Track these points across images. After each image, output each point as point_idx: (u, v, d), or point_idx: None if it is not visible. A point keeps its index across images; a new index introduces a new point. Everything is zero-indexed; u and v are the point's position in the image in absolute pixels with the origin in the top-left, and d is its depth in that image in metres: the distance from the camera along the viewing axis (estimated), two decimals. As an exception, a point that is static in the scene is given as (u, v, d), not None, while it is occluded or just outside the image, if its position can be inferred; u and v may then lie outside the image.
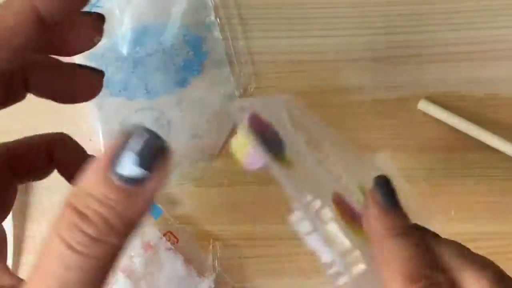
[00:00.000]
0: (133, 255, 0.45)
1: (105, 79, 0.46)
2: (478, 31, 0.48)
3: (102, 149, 0.47)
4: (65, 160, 0.33)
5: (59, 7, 0.27)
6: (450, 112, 0.47)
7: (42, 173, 0.33)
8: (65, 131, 0.46)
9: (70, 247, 0.23)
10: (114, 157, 0.23)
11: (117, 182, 0.23)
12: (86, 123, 0.47)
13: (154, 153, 0.24)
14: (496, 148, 0.47)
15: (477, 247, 0.47)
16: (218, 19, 0.48)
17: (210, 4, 0.48)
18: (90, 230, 0.23)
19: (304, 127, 0.41)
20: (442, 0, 0.48)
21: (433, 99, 0.48)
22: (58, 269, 0.23)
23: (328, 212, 0.36)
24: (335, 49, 0.48)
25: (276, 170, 0.33)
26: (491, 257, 0.47)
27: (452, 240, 0.32)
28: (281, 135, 0.37)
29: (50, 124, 0.47)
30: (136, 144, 0.24)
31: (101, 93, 0.45)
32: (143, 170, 0.23)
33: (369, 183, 0.40)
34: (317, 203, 0.36)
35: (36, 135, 0.33)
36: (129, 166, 0.23)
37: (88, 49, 0.31)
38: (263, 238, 0.48)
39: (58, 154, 0.32)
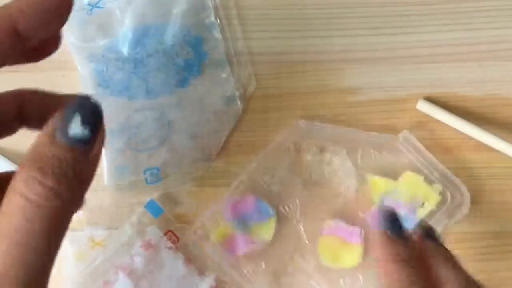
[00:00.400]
0: (133, 253, 0.45)
1: (105, 79, 0.46)
2: (478, 32, 0.49)
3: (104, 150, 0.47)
4: (37, 115, 0.32)
5: (38, 29, 0.29)
6: (450, 112, 0.47)
7: (9, 130, 0.32)
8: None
9: (29, 200, 0.25)
10: (64, 119, 0.27)
11: (65, 141, 0.27)
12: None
13: (95, 115, 0.27)
14: (496, 148, 0.47)
15: (478, 247, 0.48)
16: (218, 20, 0.48)
17: (210, 5, 0.48)
18: (50, 182, 0.25)
19: (319, 139, 0.47)
20: (441, 0, 0.49)
21: (433, 99, 0.48)
22: (20, 222, 0.25)
23: (311, 261, 0.46)
24: (334, 50, 0.48)
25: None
26: (491, 257, 0.48)
27: (444, 250, 0.37)
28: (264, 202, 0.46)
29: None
30: (82, 108, 0.27)
31: (101, 93, 0.45)
32: (87, 131, 0.27)
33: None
34: (296, 259, 0.46)
35: (4, 91, 0.32)
36: (77, 128, 0.27)
37: (52, 54, 0.32)
38: (263, 237, 0.48)
39: (30, 109, 0.32)
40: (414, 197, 0.46)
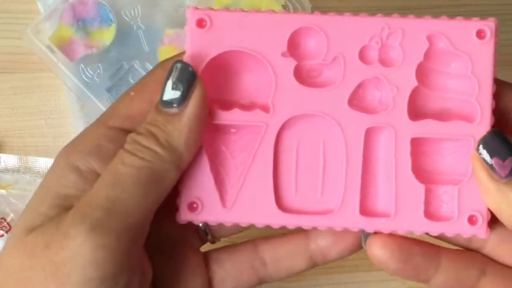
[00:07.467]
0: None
1: (91, 78, 0.46)
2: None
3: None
4: None
5: None
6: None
7: None
8: (50, 132, 0.47)
9: (126, 150, 0.30)
10: (161, 89, 0.30)
11: (161, 106, 0.30)
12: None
13: (185, 77, 0.30)
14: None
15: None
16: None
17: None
18: (139, 138, 0.30)
19: None
20: (420, 5, 0.49)
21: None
22: (116, 164, 0.29)
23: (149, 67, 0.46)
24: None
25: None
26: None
27: None
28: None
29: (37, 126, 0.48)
30: (173, 73, 0.30)
31: (87, 93, 0.45)
32: (178, 92, 0.30)
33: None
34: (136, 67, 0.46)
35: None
36: (168, 92, 0.30)
37: None
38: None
39: None
40: (257, 9, 0.46)
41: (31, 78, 0.48)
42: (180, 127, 0.30)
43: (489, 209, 0.31)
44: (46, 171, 0.45)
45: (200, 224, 0.33)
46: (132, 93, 0.32)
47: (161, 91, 0.30)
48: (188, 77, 0.30)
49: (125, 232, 0.28)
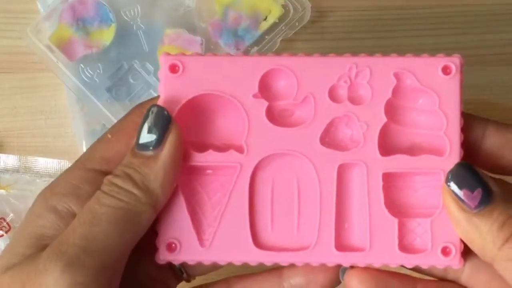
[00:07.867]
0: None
1: (91, 78, 0.46)
2: (462, 36, 0.48)
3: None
4: None
5: None
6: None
7: None
8: (50, 132, 0.47)
9: (103, 191, 0.30)
10: (138, 132, 0.31)
11: (137, 150, 0.30)
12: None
13: (161, 121, 0.30)
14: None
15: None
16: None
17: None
18: (116, 180, 0.30)
19: None
20: (425, 5, 0.48)
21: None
22: (93, 204, 0.30)
23: (151, 70, 0.46)
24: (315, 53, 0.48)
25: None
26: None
27: None
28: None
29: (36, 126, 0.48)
30: (149, 117, 0.30)
31: (86, 93, 0.45)
32: (154, 136, 0.30)
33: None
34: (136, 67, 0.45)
35: None
36: (144, 135, 0.30)
37: None
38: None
39: None
40: (257, 9, 0.46)
41: (31, 78, 0.48)
42: (156, 170, 0.30)
43: (462, 240, 0.31)
44: (45, 171, 0.46)
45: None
46: (109, 136, 0.32)
47: (137, 135, 0.30)
48: (163, 121, 0.30)
49: (101, 270, 0.28)
